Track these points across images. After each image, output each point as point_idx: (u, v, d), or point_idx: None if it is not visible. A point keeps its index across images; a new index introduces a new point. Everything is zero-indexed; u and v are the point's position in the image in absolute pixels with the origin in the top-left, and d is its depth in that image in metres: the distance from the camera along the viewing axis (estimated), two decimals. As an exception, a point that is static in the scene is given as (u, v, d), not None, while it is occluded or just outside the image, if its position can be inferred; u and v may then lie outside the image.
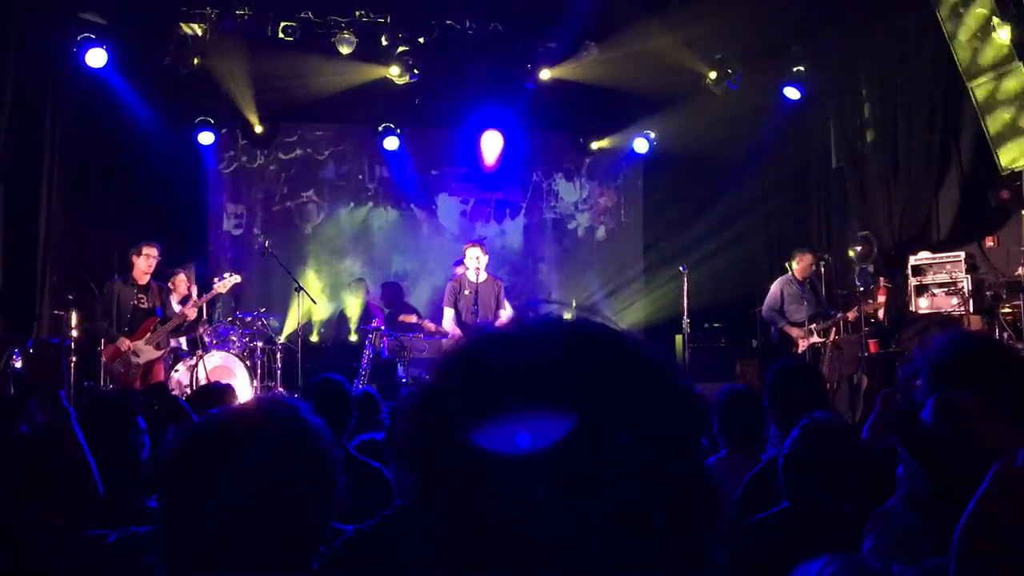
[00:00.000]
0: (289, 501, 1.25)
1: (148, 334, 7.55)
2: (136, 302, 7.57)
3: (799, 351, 8.23)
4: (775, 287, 8.54)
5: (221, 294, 7.95)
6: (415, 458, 0.75)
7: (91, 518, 1.91)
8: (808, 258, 8.45)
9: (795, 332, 8.31)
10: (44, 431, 1.93)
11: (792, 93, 10.12)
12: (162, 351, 7.65)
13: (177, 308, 8.70)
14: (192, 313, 7.66)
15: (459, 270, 8.31)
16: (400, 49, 9.57)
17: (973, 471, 1.47)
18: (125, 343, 7.42)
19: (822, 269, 8.71)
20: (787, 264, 8.73)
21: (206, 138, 10.14)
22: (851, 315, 8.23)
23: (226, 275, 8.01)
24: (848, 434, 2.41)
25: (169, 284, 8.71)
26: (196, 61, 9.31)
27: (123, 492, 2.48)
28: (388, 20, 9.48)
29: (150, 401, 3.43)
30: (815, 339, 8.24)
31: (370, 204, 11.31)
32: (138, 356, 7.48)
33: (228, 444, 1.28)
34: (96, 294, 7.93)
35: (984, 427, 1.54)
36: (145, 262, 7.59)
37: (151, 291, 7.67)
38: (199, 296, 7.99)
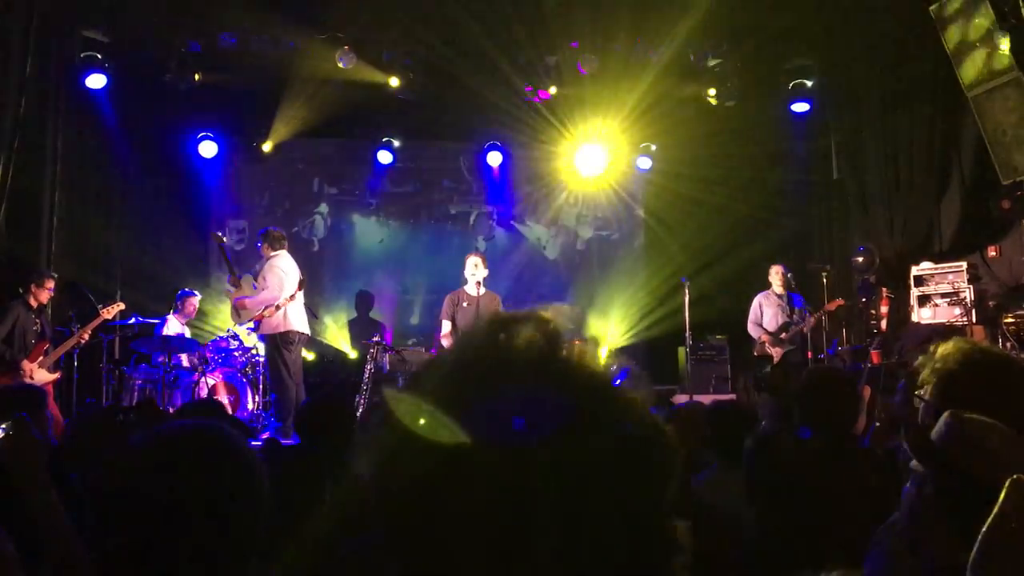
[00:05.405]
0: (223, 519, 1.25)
1: (41, 357, 7.51)
2: (34, 326, 7.54)
3: (775, 360, 8.66)
4: (754, 301, 8.92)
5: (107, 320, 7.86)
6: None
7: None
8: (778, 270, 8.79)
9: (766, 340, 8.71)
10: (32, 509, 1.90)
11: (800, 107, 10.14)
12: (55, 374, 7.60)
13: (179, 328, 8.68)
14: (86, 336, 7.66)
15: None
16: (401, 64, 9.59)
17: (984, 489, 1.46)
18: (28, 366, 7.34)
19: (824, 280, 8.70)
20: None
21: (208, 150, 10.15)
22: (805, 328, 8.57)
23: (112, 305, 7.94)
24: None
25: (178, 304, 8.73)
26: (197, 77, 9.36)
27: None
28: (389, 35, 9.51)
29: (143, 417, 3.40)
30: (787, 347, 8.62)
31: (372, 218, 11.32)
32: (33, 379, 7.31)
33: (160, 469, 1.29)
34: (93, 304, 7.93)
35: (997, 445, 1.52)
36: (46, 294, 7.61)
37: (43, 314, 7.68)
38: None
